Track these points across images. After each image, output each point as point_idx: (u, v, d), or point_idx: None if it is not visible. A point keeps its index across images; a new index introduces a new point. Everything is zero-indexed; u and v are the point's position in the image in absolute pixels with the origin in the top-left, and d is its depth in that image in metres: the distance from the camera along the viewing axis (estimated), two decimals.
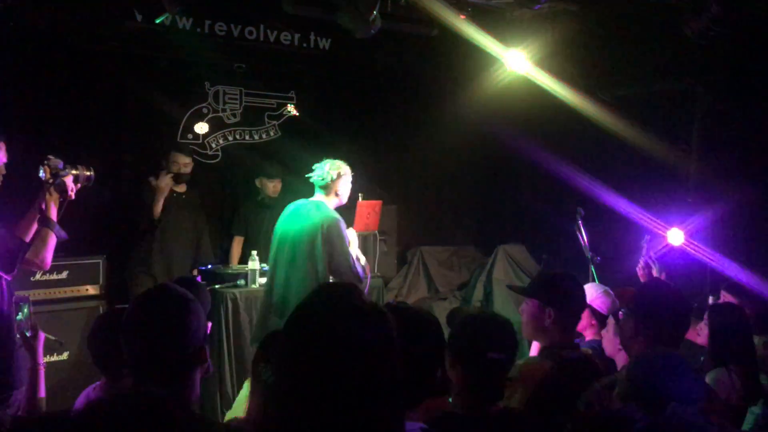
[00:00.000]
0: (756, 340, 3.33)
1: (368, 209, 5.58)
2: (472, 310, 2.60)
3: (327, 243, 4.28)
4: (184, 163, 5.49)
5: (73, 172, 3.39)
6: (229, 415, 2.59)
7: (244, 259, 5.69)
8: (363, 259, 4.70)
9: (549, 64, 5.97)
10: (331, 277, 4.36)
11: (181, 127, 6.06)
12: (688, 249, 4.92)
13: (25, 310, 2.89)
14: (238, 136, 6.38)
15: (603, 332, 3.23)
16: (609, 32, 5.69)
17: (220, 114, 6.26)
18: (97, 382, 2.61)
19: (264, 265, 5.37)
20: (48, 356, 4.28)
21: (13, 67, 4.94)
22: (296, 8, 5.31)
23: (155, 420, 1.25)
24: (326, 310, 1.31)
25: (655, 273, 4.24)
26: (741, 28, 4.91)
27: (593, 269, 4.91)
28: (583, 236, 4.93)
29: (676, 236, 4.83)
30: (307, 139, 6.45)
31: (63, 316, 4.65)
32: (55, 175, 3.30)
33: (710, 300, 4.29)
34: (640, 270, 4.32)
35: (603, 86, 6.07)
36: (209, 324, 2.23)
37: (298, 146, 6.45)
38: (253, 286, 5.07)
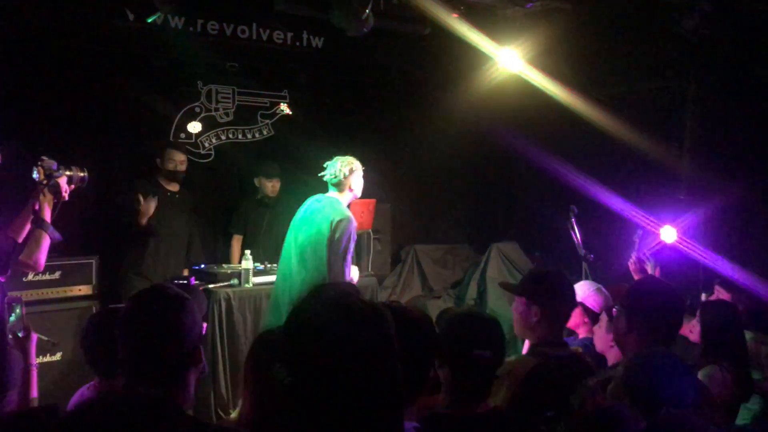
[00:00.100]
0: (748, 335, 3.34)
1: (362, 208, 5.58)
2: (457, 310, 2.60)
3: (331, 240, 4.35)
4: (180, 160, 5.49)
5: (67, 173, 3.38)
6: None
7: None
8: (356, 276, 4.74)
9: (542, 62, 5.98)
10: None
11: (173, 126, 6.05)
12: (681, 246, 4.94)
13: (18, 310, 2.88)
14: (231, 135, 6.36)
15: (595, 328, 3.24)
16: (601, 30, 5.70)
17: (213, 113, 6.24)
18: (91, 382, 2.60)
19: (258, 264, 5.39)
20: (41, 357, 4.26)
21: (3, 67, 4.92)
22: (289, 7, 5.30)
23: (146, 420, 1.24)
24: (325, 311, 1.31)
25: (649, 270, 4.26)
26: (732, 26, 4.93)
27: (586, 267, 4.93)
28: (577, 234, 4.94)
29: (669, 233, 4.84)
30: (300, 138, 6.45)
31: (56, 316, 4.64)
32: (49, 176, 3.29)
33: (703, 297, 4.31)
34: (631, 265, 4.34)
35: (595, 84, 6.08)
36: (204, 325, 2.23)
37: (292, 145, 6.46)
38: (247, 285, 5.07)
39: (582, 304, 3.50)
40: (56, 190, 3.29)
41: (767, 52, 5.27)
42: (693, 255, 4.97)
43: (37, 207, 3.22)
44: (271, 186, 5.95)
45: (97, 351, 2.52)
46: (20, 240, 3.20)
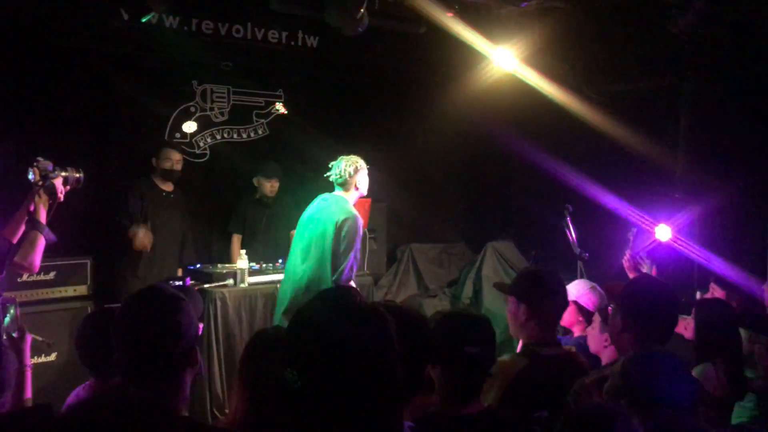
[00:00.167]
0: (743, 334, 3.35)
1: (358, 207, 5.56)
2: (447, 310, 2.60)
3: (336, 239, 4.42)
4: (176, 159, 5.49)
5: (63, 174, 3.38)
6: None
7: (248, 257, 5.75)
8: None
9: (536, 61, 5.99)
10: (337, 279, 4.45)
11: (168, 126, 6.03)
12: (676, 244, 4.96)
13: (12, 311, 2.87)
14: (226, 135, 6.35)
15: (588, 329, 3.24)
16: (596, 29, 5.71)
17: (208, 113, 6.23)
18: (86, 383, 2.60)
19: (253, 264, 5.39)
20: (36, 357, 4.25)
21: None
22: (284, 6, 5.29)
23: (139, 422, 1.24)
24: (327, 313, 1.32)
25: (645, 269, 4.26)
26: (727, 25, 4.94)
27: (581, 265, 4.94)
28: (572, 232, 4.96)
29: (663, 232, 4.86)
30: (296, 137, 6.44)
31: (50, 317, 4.63)
32: (45, 177, 3.28)
33: (698, 295, 4.32)
34: (626, 263, 4.35)
35: (590, 83, 6.10)
36: (201, 325, 2.22)
37: (287, 145, 6.46)
38: (242, 285, 5.06)
39: (576, 303, 3.50)
40: (51, 191, 3.28)
41: (761, 50, 5.29)
42: (688, 253, 4.99)
43: (32, 208, 3.21)
44: (270, 186, 5.96)
45: (93, 351, 2.51)
46: (15, 241, 3.19)
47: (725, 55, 5.37)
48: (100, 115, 5.67)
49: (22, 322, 2.88)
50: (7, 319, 2.86)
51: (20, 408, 2.66)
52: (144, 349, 1.84)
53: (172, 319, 1.86)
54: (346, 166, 4.54)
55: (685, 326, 3.47)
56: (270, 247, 5.95)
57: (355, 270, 4.56)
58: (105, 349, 1.94)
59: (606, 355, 3.03)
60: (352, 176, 4.55)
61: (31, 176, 3.28)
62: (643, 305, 2.60)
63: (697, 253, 4.98)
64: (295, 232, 4.75)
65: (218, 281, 5.06)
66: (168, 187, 5.51)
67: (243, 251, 5.21)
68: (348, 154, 4.68)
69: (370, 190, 4.82)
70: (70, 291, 4.81)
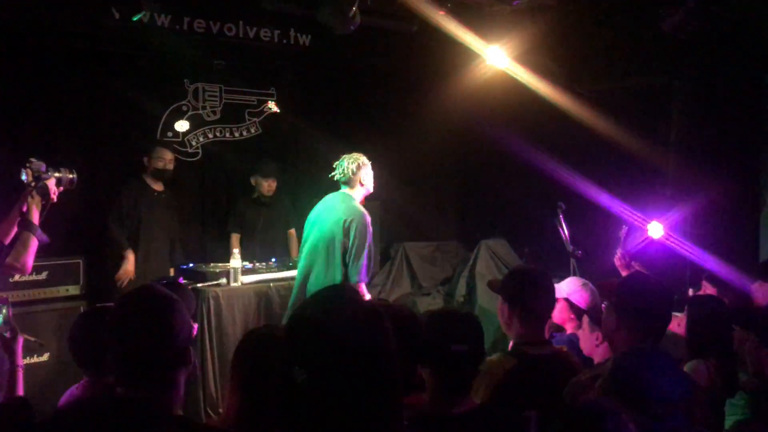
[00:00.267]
0: (735, 331, 3.36)
1: None
2: (434, 309, 2.60)
3: (346, 236, 4.47)
4: (169, 159, 5.49)
5: (56, 174, 3.37)
6: None
7: (244, 256, 5.73)
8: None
9: (528, 59, 6.00)
10: (352, 274, 4.49)
11: (160, 125, 6.02)
12: (668, 242, 4.97)
13: (4, 311, 2.86)
14: (218, 134, 6.34)
15: (579, 331, 3.25)
16: (587, 27, 5.72)
17: (200, 111, 6.21)
18: (80, 382, 2.59)
19: (246, 263, 5.39)
20: (28, 358, 4.24)
21: None
22: (276, 5, 5.29)
23: (129, 422, 1.24)
24: (324, 313, 1.32)
25: (637, 266, 4.27)
26: (717, 23, 4.96)
27: (574, 263, 4.95)
28: (564, 230, 4.97)
29: (656, 229, 4.87)
30: (288, 136, 6.44)
31: (43, 317, 4.62)
32: (38, 178, 3.27)
33: (690, 292, 4.34)
34: (617, 261, 4.35)
35: (582, 81, 6.11)
36: (195, 325, 2.22)
37: (279, 143, 6.45)
38: (235, 284, 5.05)
39: (567, 300, 3.51)
40: (44, 192, 3.27)
41: (751, 49, 5.31)
42: (679, 250, 5.01)
43: (25, 209, 3.20)
44: (267, 185, 5.97)
45: (86, 350, 2.50)
46: (7, 242, 3.18)
47: (716, 53, 5.39)
48: (91, 114, 5.65)
49: (14, 322, 2.87)
50: None
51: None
52: (137, 349, 1.83)
53: (165, 319, 1.86)
54: (348, 163, 4.62)
55: (678, 323, 3.48)
56: (268, 246, 5.96)
57: (372, 269, 4.62)
58: (98, 348, 1.93)
59: (598, 354, 3.03)
60: (355, 173, 4.62)
61: (24, 177, 3.26)
62: (638, 303, 2.60)
63: (688, 250, 5.00)
64: (299, 232, 4.84)
65: (211, 280, 5.05)
66: (159, 186, 5.50)
67: (236, 250, 5.20)
68: (340, 152, 4.70)
69: None
70: (62, 291, 4.80)
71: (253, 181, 6.02)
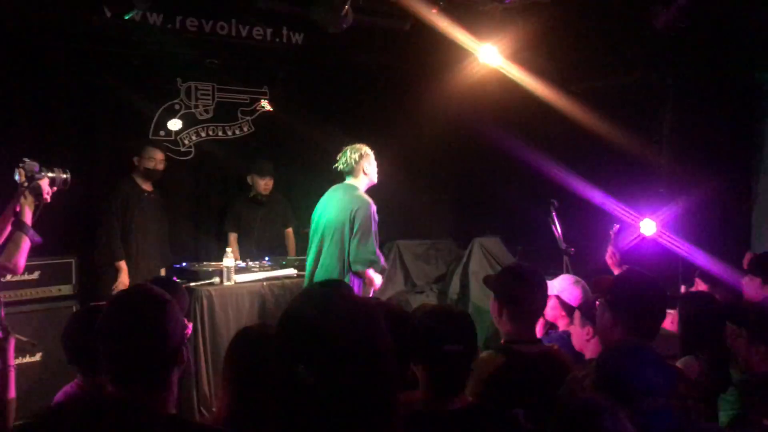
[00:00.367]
0: (727, 327, 3.37)
1: None
2: (427, 307, 2.59)
3: (354, 225, 4.55)
4: (160, 159, 5.48)
5: (49, 174, 3.36)
6: None
7: (242, 255, 5.78)
8: (379, 281, 4.88)
9: (521, 57, 6.00)
10: (354, 262, 4.58)
11: (153, 124, 6.00)
12: (661, 239, 4.99)
13: None
14: (211, 132, 6.33)
15: (570, 327, 3.25)
16: (579, 25, 5.73)
17: (193, 110, 6.20)
18: (74, 381, 2.58)
19: (239, 262, 5.39)
20: (20, 358, 4.22)
21: None
22: (269, 3, 5.28)
23: (127, 420, 1.24)
24: (317, 309, 1.32)
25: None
26: (709, 20, 4.98)
27: (567, 260, 4.96)
28: (557, 228, 4.98)
29: (648, 226, 4.89)
30: (281, 134, 6.42)
31: (35, 317, 4.60)
32: (30, 177, 3.26)
33: (682, 289, 4.35)
34: (609, 258, 4.36)
35: (574, 79, 6.12)
36: (190, 325, 2.22)
37: (272, 141, 6.44)
38: (228, 283, 5.04)
39: (559, 298, 3.52)
40: (37, 192, 3.26)
41: (743, 45, 5.33)
42: (672, 247, 5.02)
43: (18, 209, 3.19)
44: (264, 184, 5.97)
45: (80, 349, 2.50)
46: (0, 242, 3.17)
47: (708, 49, 5.41)
48: (83, 113, 5.63)
49: (6, 322, 2.86)
50: None
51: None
52: (130, 349, 1.83)
53: (158, 319, 1.86)
54: (351, 153, 4.72)
55: (671, 320, 3.50)
56: (265, 244, 5.96)
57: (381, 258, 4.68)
58: (92, 347, 1.92)
59: (589, 349, 3.03)
60: (358, 162, 4.71)
61: (17, 177, 3.25)
62: (633, 300, 2.61)
63: (681, 247, 5.02)
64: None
65: (204, 279, 5.04)
66: (148, 186, 5.49)
67: (229, 249, 5.19)
68: (333, 150, 4.72)
69: None
70: (54, 291, 4.78)
71: (249, 180, 6.02)
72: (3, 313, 2.87)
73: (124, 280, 5.22)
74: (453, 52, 6.11)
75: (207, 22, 5.77)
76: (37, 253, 4.20)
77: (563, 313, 3.50)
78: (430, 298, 6.66)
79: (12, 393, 2.75)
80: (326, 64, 6.58)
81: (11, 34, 5.02)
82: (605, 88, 6.11)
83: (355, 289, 4.62)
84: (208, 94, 6.27)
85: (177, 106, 6.12)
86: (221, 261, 5.09)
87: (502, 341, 2.85)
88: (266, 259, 5.58)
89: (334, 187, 4.85)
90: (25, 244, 3.18)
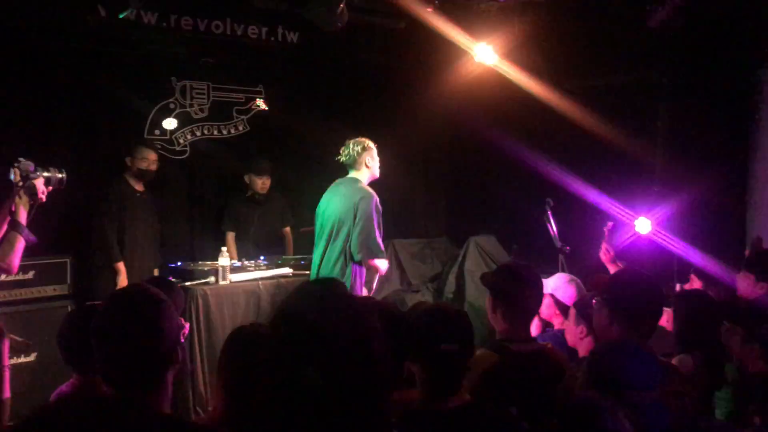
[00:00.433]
0: (723, 325, 3.38)
1: None
2: (424, 306, 2.60)
3: (356, 215, 4.57)
4: (153, 159, 5.46)
5: (45, 174, 3.35)
6: None
7: (239, 255, 5.78)
8: (384, 266, 4.88)
9: (516, 56, 6.01)
10: (355, 252, 4.59)
11: (148, 123, 5.99)
12: (656, 237, 5.00)
13: None
14: (206, 132, 6.32)
15: (565, 323, 3.26)
16: (575, 24, 5.74)
17: (188, 109, 6.19)
18: (69, 381, 2.58)
19: (235, 261, 5.38)
20: (15, 358, 4.21)
21: None
22: (265, 2, 5.27)
23: (120, 420, 1.23)
24: (308, 305, 1.31)
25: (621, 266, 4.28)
26: (703, 19, 4.99)
27: (563, 259, 4.97)
28: (553, 226, 4.98)
29: (643, 225, 4.90)
30: (276, 133, 6.42)
31: (29, 317, 4.58)
32: (26, 177, 3.25)
33: (677, 287, 4.36)
34: (603, 255, 4.36)
35: (570, 77, 6.13)
36: (186, 325, 2.22)
37: (267, 141, 6.43)
38: (224, 282, 5.04)
39: (553, 296, 3.52)
40: (32, 192, 3.25)
41: (738, 44, 5.35)
42: (667, 245, 5.04)
43: (13, 209, 3.18)
44: (261, 183, 5.97)
45: (75, 348, 2.50)
46: None
47: (703, 49, 5.42)
48: (78, 112, 5.62)
49: (1, 322, 2.85)
50: None
51: None
52: (126, 348, 1.83)
53: (154, 318, 1.86)
54: (354, 146, 4.75)
55: (667, 318, 3.50)
56: (263, 244, 5.95)
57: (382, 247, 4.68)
58: (87, 347, 1.92)
59: (583, 348, 3.04)
60: (360, 154, 4.74)
61: (12, 176, 3.25)
62: (630, 298, 2.61)
63: (676, 245, 5.03)
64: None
65: (199, 279, 5.03)
66: (140, 187, 5.47)
67: (225, 248, 5.18)
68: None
69: None
70: (49, 290, 4.76)
71: (246, 179, 6.01)
72: None
73: (123, 282, 5.21)
74: (448, 51, 6.11)
75: (202, 21, 5.76)
76: (32, 253, 4.19)
77: (557, 312, 3.51)
78: (425, 297, 6.66)
79: (7, 393, 2.75)
80: (321, 63, 6.57)
81: (5, 33, 5.00)
82: (601, 86, 6.12)
83: (358, 279, 4.67)
84: (203, 93, 6.26)
85: (172, 105, 6.11)
86: (217, 260, 5.08)
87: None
88: (262, 258, 5.57)
89: (336, 181, 4.87)
90: (20, 243, 3.18)
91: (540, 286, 2.88)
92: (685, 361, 3.04)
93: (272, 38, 6.15)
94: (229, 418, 1.98)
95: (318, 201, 4.95)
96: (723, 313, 3.20)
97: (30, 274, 4.66)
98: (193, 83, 6.19)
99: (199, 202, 6.36)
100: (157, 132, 6.02)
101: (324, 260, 4.71)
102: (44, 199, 3.31)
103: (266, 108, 6.53)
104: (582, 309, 3.03)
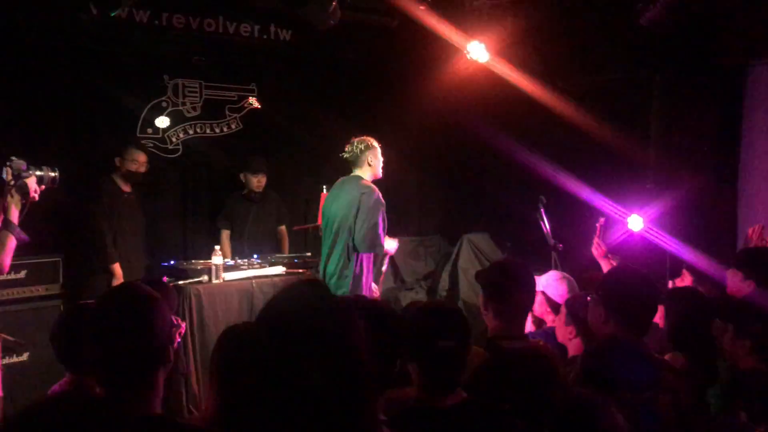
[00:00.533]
0: (714, 322, 3.39)
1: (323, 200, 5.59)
2: (419, 304, 2.60)
3: (359, 209, 4.64)
4: (143, 161, 5.42)
5: (37, 173, 3.34)
6: None
7: (234, 252, 5.78)
8: (393, 246, 5.02)
9: (509, 53, 6.01)
10: (359, 244, 4.65)
11: (140, 121, 5.97)
12: (648, 234, 5.01)
13: None
14: (198, 130, 6.30)
15: (556, 321, 3.26)
16: (567, 22, 5.75)
17: (180, 107, 6.18)
18: (63, 380, 2.57)
19: (228, 259, 5.38)
20: (7, 357, 4.19)
21: None
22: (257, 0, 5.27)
23: (109, 420, 1.23)
24: (291, 306, 1.31)
25: (613, 261, 4.29)
26: (695, 16, 5.00)
27: (555, 256, 4.98)
28: (546, 224, 4.99)
29: (636, 222, 4.91)
30: (269, 131, 6.41)
31: (22, 316, 4.57)
32: (17, 176, 3.24)
33: (670, 284, 4.38)
34: (595, 250, 4.37)
35: (562, 75, 6.13)
36: (183, 325, 2.21)
37: (260, 139, 6.43)
38: (217, 281, 5.03)
39: (544, 293, 3.53)
40: (24, 191, 3.24)
41: (730, 41, 5.36)
42: (659, 243, 5.05)
43: (4, 207, 3.17)
44: (256, 181, 5.96)
45: (69, 347, 2.49)
46: None
47: (695, 46, 5.44)
48: (70, 111, 5.60)
49: None
50: None
51: None
52: (117, 347, 1.83)
53: (146, 316, 1.86)
54: (357, 143, 4.82)
55: (660, 314, 3.52)
56: (257, 242, 5.95)
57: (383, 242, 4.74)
58: (80, 345, 1.93)
59: (573, 347, 3.04)
60: (363, 152, 4.79)
61: (3, 175, 3.24)
62: (625, 296, 2.62)
63: (668, 242, 5.04)
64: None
65: (193, 277, 5.02)
66: (127, 187, 5.45)
67: (218, 247, 5.17)
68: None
69: None
70: (41, 290, 4.75)
71: (242, 177, 6.00)
72: None
73: (118, 277, 5.19)
74: (441, 48, 6.11)
75: (194, 19, 5.75)
76: (24, 252, 4.18)
77: (549, 309, 3.52)
78: (419, 295, 6.68)
79: None
80: (314, 61, 6.57)
81: None
82: (593, 84, 6.13)
83: (365, 272, 4.74)
84: (196, 92, 6.24)
85: (164, 104, 6.09)
86: (210, 259, 5.08)
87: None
88: (255, 256, 5.57)
89: (340, 179, 4.92)
90: (11, 243, 3.16)
91: (532, 284, 2.89)
92: (675, 358, 3.05)
93: (265, 36, 6.14)
94: (220, 417, 1.98)
95: (310, 198, 4.97)
96: (714, 310, 3.21)
97: (22, 274, 4.64)
98: (186, 81, 6.17)
99: (192, 200, 6.34)
100: (149, 130, 6.01)
101: (331, 257, 4.77)
102: (37, 198, 3.30)
103: (259, 106, 6.52)
104: (572, 309, 3.04)
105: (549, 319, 3.53)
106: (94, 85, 5.57)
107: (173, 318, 2.38)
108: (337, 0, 4.93)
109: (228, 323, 4.88)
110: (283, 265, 5.41)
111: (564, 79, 6.13)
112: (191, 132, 6.26)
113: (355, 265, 4.68)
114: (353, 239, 4.67)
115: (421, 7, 5.45)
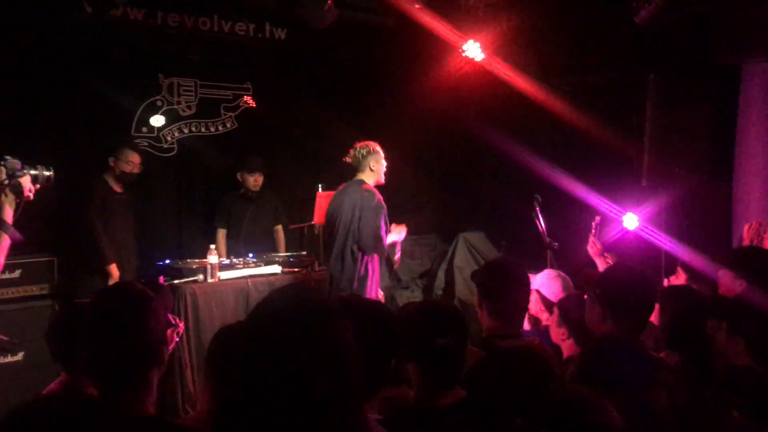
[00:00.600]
0: (708, 320, 3.39)
1: (328, 200, 5.58)
2: (416, 303, 2.60)
3: (360, 212, 4.70)
4: (137, 163, 5.39)
5: (32, 172, 3.32)
6: None
7: (230, 251, 5.78)
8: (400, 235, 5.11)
9: (504, 52, 6.02)
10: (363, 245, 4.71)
11: (135, 120, 5.96)
12: (643, 233, 5.03)
13: None
14: (194, 129, 6.29)
15: (549, 322, 3.27)
16: (562, 21, 5.75)
17: (175, 106, 6.16)
18: (58, 379, 2.57)
19: (224, 258, 5.37)
20: (1, 357, 4.19)
21: None
22: None
23: (103, 420, 1.23)
24: (274, 309, 1.32)
25: (610, 259, 4.30)
26: (690, 15, 5.01)
27: (551, 255, 4.99)
28: (541, 222, 5.00)
29: (631, 221, 4.92)
30: (265, 130, 6.40)
31: (16, 316, 4.56)
32: (11, 175, 3.23)
33: (665, 282, 4.39)
34: (590, 248, 4.38)
35: (557, 74, 6.14)
36: (181, 324, 2.21)
37: (255, 138, 6.42)
38: (212, 280, 5.03)
39: (539, 292, 3.53)
40: (18, 190, 3.23)
41: (725, 41, 5.37)
42: (654, 241, 5.06)
43: None
44: (253, 180, 5.96)
45: (64, 346, 2.49)
46: None
47: (689, 45, 5.45)
48: (65, 110, 5.58)
49: None
50: None
51: None
52: (111, 347, 1.83)
53: (140, 315, 1.86)
54: (360, 148, 4.88)
55: (655, 314, 3.52)
56: (254, 241, 5.94)
57: (385, 243, 4.80)
58: (76, 344, 1.92)
59: (566, 347, 3.04)
60: (365, 157, 4.86)
61: None
62: (622, 294, 2.62)
63: (663, 241, 5.06)
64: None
65: (188, 277, 5.01)
66: (119, 188, 5.43)
67: (213, 246, 5.17)
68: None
69: (340, 182, 4.88)
70: (35, 289, 4.74)
71: (239, 176, 5.99)
72: None
73: (115, 277, 5.18)
74: (437, 48, 6.12)
75: (189, 18, 5.74)
76: (18, 252, 4.17)
77: (543, 308, 3.52)
78: (415, 293, 6.68)
79: None
80: (309, 60, 6.56)
81: None
82: (588, 83, 6.14)
83: (370, 273, 4.78)
84: (191, 90, 6.23)
85: (159, 103, 6.08)
86: (205, 258, 5.07)
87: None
88: (250, 255, 5.56)
89: (344, 184, 4.97)
90: (5, 242, 3.15)
91: (527, 283, 2.89)
92: (672, 356, 3.06)
93: (260, 35, 6.13)
94: (216, 416, 1.98)
95: (306, 197, 4.97)
96: (709, 308, 3.22)
97: (16, 273, 4.64)
98: (181, 80, 6.16)
99: (187, 199, 6.33)
100: (144, 129, 6.00)
101: (336, 260, 4.80)
102: (32, 197, 3.29)
103: (254, 105, 6.51)
104: (564, 309, 3.04)
105: (544, 317, 3.54)
106: (88, 84, 5.56)
107: (171, 318, 2.38)
108: None
109: (223, 322, 4.90)
110: (279, 264, 5.41)
111: (559, 78, 6.14)
112: (186, 131, 6.25)
113: (360, 268, 4.72)
114: (357, 242, 4.72)
115: (417, 6, 5.46)
